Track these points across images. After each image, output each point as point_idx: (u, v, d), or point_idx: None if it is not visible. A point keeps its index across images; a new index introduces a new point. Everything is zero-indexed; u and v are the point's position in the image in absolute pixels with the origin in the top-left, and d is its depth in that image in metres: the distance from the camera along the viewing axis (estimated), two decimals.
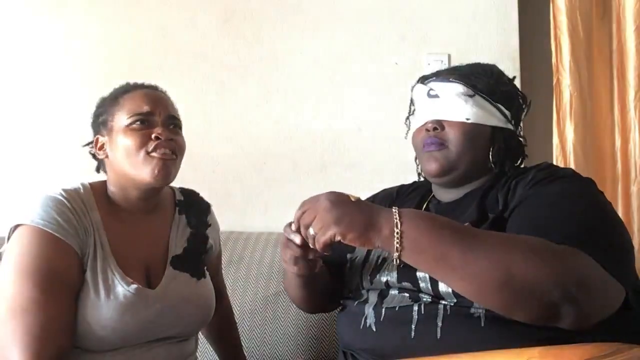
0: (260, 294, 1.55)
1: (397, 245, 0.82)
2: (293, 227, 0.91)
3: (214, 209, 1.35)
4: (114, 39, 1.90)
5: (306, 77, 1.86)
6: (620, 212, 1.74)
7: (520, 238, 0.87)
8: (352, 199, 0.88)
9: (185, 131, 1.21)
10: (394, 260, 0.84)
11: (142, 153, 1.10)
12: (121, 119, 1.13)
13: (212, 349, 1.43)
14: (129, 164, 1.11)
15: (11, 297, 1.01)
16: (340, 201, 0.86)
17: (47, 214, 1.06)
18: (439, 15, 1.81)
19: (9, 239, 1.08)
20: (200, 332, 1.34)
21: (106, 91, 1.22)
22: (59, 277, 1.04)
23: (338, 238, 0.84)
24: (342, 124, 1.84)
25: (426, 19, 1.81)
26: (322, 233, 0.84)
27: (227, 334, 1.41)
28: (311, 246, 0.88)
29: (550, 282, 0.79)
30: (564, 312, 0.80)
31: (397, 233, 0.82)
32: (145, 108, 1.13)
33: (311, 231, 0.86)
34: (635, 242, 1.71)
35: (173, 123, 1.16)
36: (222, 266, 1.43)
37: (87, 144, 1.21)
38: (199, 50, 1.89)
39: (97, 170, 1.22)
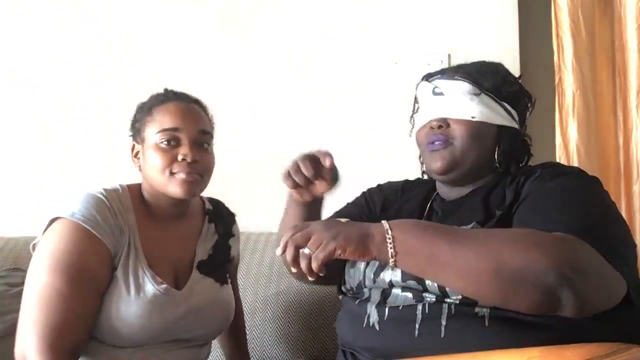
0: (260, 294, 1.55)
1: (392, 251, 0.84)
2: (278, 251, 0.89)
3: None
4: (110, 39, 1.90)
5: (306, 77, 1.86)
6: (623, 212, 1.73)
7: (506, 229, 0.89)
8: (343, 221, 0.91)
9: None
10: (391, 267, 0.86)
11: (167, 173, 1.15)
12: (151, 132, 1.17)
13: (219, 352, 1.44)
14: (156, 180, 1.16)
15: (41, 286, 1.05)
16: (332, 222, 0.89)
17: (87, 211, 1.11)
18: (439, 15, 1.80)
19: (45, 230, 1.11)
20: None
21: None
22: (89, 273, 1.08)
23: (338, 252, 0.85)
24: (342, 124, 1.83)
25: (426, 19, 1.81)
26: (321, 249, 0.85)
27: (237, 338, 1.43)
28: (304, 268, 0.87)
29: (542, 266, 0.79)
30: (563, 298, 0.79)
31: (390, 238, 0.85)
32: (174, 124, 1.16)
33: (306, 250, 0.87)
34: (638, 242, 1.70)
35: (202, 140, 1.19)
36: None
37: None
38: (196, 52, 1.89)
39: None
